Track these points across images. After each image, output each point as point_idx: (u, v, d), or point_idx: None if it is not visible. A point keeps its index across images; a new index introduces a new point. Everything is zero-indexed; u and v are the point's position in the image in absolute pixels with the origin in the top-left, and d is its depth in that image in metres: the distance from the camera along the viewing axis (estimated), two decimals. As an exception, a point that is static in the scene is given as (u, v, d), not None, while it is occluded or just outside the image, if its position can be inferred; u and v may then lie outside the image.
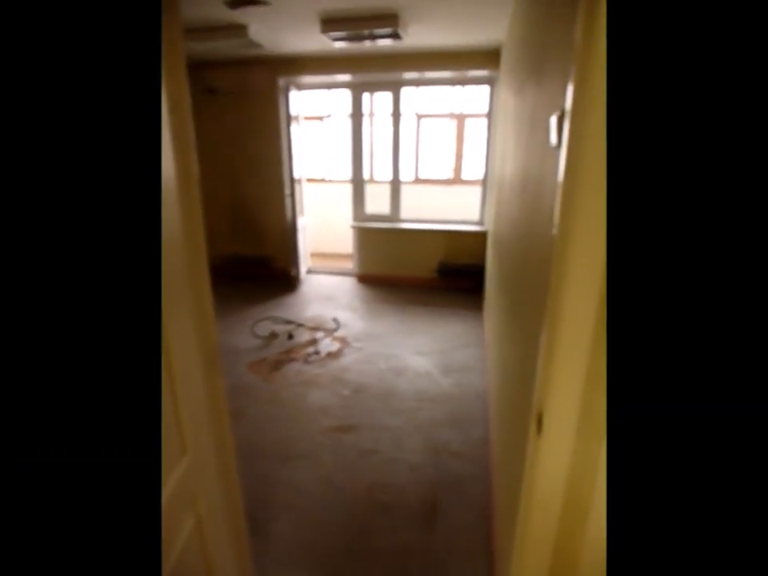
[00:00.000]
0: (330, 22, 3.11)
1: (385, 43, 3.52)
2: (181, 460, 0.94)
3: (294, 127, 4.81)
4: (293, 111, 4.75)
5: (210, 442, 1.11)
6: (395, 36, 3.26)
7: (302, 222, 5.26)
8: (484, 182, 4.84)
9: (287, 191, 4.95)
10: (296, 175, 4.99)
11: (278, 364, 3.33)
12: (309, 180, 5.95)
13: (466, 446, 2.41)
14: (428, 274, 5.06)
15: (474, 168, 6.27)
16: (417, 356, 3.46)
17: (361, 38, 3.30)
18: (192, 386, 0.99)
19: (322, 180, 6.62)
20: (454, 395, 2.92)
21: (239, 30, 3.23)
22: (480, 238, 4.77)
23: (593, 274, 0.73)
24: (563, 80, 0.93)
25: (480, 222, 4.93)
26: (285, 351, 3.53)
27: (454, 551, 1.81)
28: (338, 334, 3.86)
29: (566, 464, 0.88)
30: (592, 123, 0.68)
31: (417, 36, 3.53)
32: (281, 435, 2.52)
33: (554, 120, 0.91)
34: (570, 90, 0.74)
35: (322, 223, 6.31)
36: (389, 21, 3.04)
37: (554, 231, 0.79)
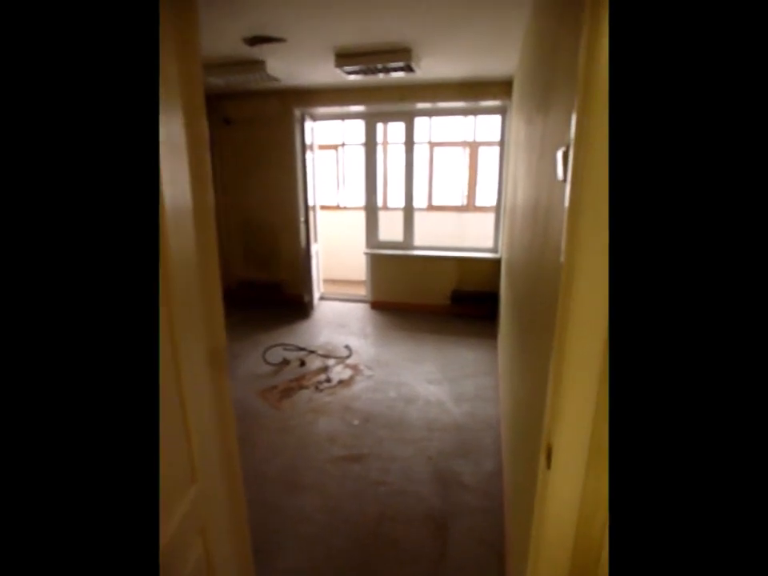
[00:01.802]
0: (344, 57, 3.20)
1: (398, 75, 3.61)
2: (190, 488, 0.93)
3: (308, 155, 4.91)
4: (308, 140, 4.86)
5: (218, 470, 1.10)
6: (408, 69, 3.34)
7: (315, 249, 5.31)
8: (497, 210, 4.86)
9: (301, 218, 5.02)
10: (310, 202, 5.06)
11: (288, 391, 3.32)
12: (323, 207, 6.04)
13: (477, 477, 2.35)
14: (441, 301, 5.04)
15: (488, 195, 6.31)
16: (428, 384, 3.42)
17: (374, 71, 3.39)
18: (202, 413, 0.99)
19: (337, 207, 6.71)
20: (465, 425, 2.86)
21: (257, 65, 3.34)
22: (494, 265, 4.76)
23: (599, 306, 0.72)
24: (569, 114, 0.94)
25: (494, 249, 4.93)
26: (295, 378, 3.52)
27: (465, 590, 1.75)
28: (350, 361, 3.84)
29: (576, 499, 0.85)
30: (594, 156, 0.68)
31: (429, 68, 3.61)
32: (289, 463, 2.49)
33: (560, 155, 0.91)
34: (573, 123, 0.74)
35: (336, 250, 6.36)
36: (401, 55, 3.12)
37: (561, 259, 0.79)
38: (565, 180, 0.83)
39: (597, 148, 0.69)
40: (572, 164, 0.73)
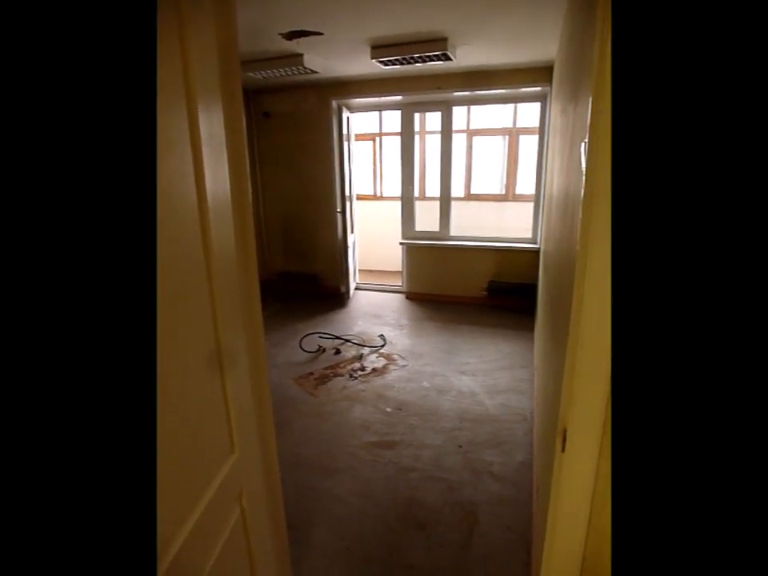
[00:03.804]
0: (379, 48, 3.22)
1: (434, 64, 3.60)
2: (229, 457, 1.01)
3: (345, 146, 4.97)
4: (345, 131, 4.91)
5: (255, 443, 1.18)
6: (445, 58, 3.32)
7: (351, 239, 5.37)
8: (536, 199, 4.77)
9: (338, 209, 5.09)
10: (347, 193, 5.12)
11: (323, 378, 3.41)
12: (360, 197, 6.09)
13: (507, 468, 2.36)
14: (477, 292, 5.01)
15: (528, 183, 6.19)
16: (462, 375, 3.43)
17: (410, 61, 3.39)
18: (241, 390, 1.06)
19: (374, 196, 6.76)
20: (498, 417, 2.87)
21: (295, 58, 3.42)
22: (533, 256, 4.69)
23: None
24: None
25: (533, 240, 4.84)
26: (331, 366, 3.61)
27: (489, 572, 1.78)
28: (384, 350, 3.90)
29: (589, 481, 0.86)
30: (607, 146, 0.69)
31: (466, 56, 3.58)
32: (323, 448, 2.58)
33: (583, 146, 0.92)
34: (588, 112, 0.75)
35: (372, 240, 6.40)
36: (438, 44, 3.11)
37: (577, 248, 0.80)
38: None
39: (609, 138, 0.69)
40: (587, 154, 0.74)
